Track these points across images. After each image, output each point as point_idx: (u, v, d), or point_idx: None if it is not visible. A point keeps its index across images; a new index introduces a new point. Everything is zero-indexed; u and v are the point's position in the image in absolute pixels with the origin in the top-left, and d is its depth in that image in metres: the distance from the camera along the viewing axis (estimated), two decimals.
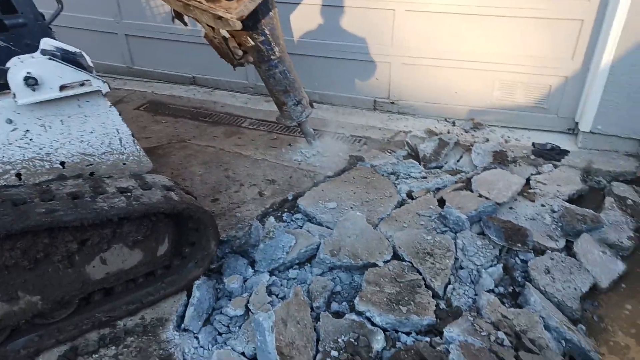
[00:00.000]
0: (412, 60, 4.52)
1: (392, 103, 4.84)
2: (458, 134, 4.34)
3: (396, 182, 3.66)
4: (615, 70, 3.68)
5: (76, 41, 6.19)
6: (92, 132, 2.48)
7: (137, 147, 2.66)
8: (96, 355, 2.37)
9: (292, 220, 3.33)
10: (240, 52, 3.17)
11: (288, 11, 4.71)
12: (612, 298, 2.73)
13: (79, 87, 2.33)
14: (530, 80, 4.23)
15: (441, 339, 2.35)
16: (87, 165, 2.52)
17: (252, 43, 3.09)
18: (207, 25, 3.02)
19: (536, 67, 4.14)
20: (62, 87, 2.28)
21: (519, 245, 2.86)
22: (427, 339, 2.39)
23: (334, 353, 2.27)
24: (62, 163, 2.44)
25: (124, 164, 2.64)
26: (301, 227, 3.23)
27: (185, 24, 3.43)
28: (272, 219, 3.12)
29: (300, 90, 3.52)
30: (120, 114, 2.55)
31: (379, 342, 2.32)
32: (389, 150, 4.19)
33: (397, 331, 2.45)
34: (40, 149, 2.37)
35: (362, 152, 4.14)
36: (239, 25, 2.76)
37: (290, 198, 3.54)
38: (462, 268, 2.80)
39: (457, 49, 4.30)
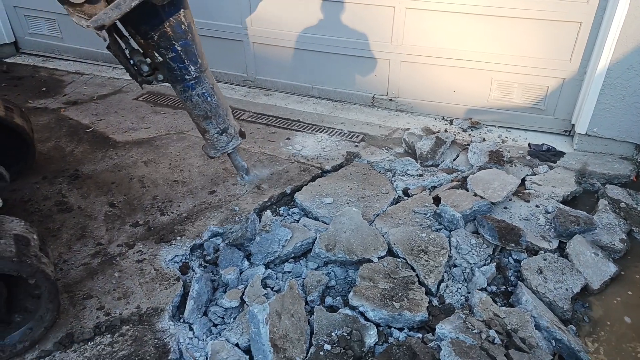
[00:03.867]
0: (411, 58, 4.53)
1: (391, 100, 4.86)
2: (455, 133, 4.36)
3: (392, 179, 3.68)
4: (612, 73, 3.71)
5: (76, 30, 6.15)
6: None
7: None
8: (92, 343, 2.39)
9: (288, 214, 3.35)
10: (146, 68, 2.76)
11: (289, 6, 4.71)
12: (602, 299, 2.77)
13: None
14: (527, 81, 4.26)
15: (433, 335, 2.38)
16: None
17: (161, 59, 2.69)
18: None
19: (534, 68, 4.16)
20: None
21: (513, 244, 2.89)
22: (419, 335, 2.42)
23: (327, 347, 2.30)
24: None
25: None
26: (297, 221, 3.26)
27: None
28: (268, 212, 3.14)
29: (225, 117, 3.07)
30: None
31: (371, 337, 2.35)
32: (386, 147, 4.21)
33: (389, 327, 2.48)
34: None
35: (359, 149, 4.16)
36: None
37: (288, 192, 3.56)
38: (455, 266, 2.83)
39: (456, 48, 4.32)
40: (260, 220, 3.07)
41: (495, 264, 2.84)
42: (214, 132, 3.06)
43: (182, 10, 2.61)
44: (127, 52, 2.74)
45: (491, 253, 2.91)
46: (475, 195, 3.29)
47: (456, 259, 2.84)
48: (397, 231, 3.01)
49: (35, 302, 2.31)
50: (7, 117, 3.33)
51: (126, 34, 2.69)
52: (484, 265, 2.82)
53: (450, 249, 2.88)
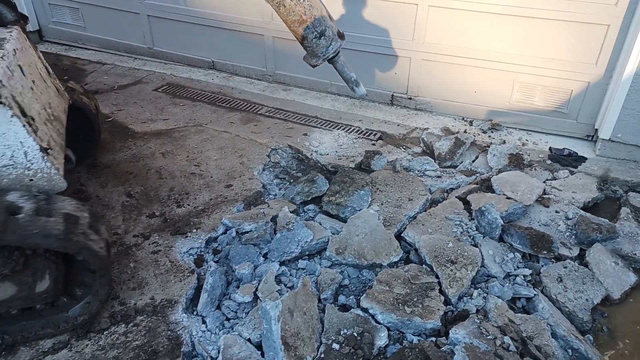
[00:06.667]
0: (432, 56, 4.48)
1: (410, 99, 4.81)
2: (475, 134, 4.31)
3: None
4: (639, 78, 3.62)
5: (99, 19, 6.20)
6: None
7: (47, 163, 2.41)
8: (107, 332, 2.41)
9: (303, 211, 3.34)
10: None
11: None
12: (622, 309, 2.71)
13: None
14: (551, 84, 4.18)
15: (446, 339, 2.36)
16: None
17: None
18: None
19: (558, 70, 4.08)
20: None
21: (545, 252, 2.84)
22: (433, 338, 2.40)
23: (335, 346, 2.28)
24: None
25: (31, 180, 2.40)
26: (313, 218, 3.24)
27: None
28: (286, 208, 3.12)
29: (321, 19, 2.89)
30: (25, 126, 2.30)
31: (381, 339, 2.32)
32: (404, 147, 4.17)
33: (400, 331, 2.45)
34: None
35: (377, 147, 4.13)
36: None
37: None
38: (493, 277, 2.75)
39: (479, 48, 4.25)
40: (277, 219, 3.06)
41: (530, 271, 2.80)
42: (312, 37, 2.91)
43: None
44: None
45: (520, 260, 2.87)
46: (508, 198, 3.21)
47: (492, 269, 2.77)
48: (428, 238, 2.91)
49: (91, 276, 2.42)
50: (86, 101, 3.49)
51: None
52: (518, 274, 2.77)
53: (484, 260, 2.79)
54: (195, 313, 2.57)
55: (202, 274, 2.79)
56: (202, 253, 2.96)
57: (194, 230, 3.10)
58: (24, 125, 2.31)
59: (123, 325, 2.46)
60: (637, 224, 3.18)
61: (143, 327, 2.46)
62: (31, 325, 2.37)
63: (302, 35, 2.90)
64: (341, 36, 3.05)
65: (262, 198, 3.45)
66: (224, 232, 3.09)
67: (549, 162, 3.94)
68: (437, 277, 2.67)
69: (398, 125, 4.56)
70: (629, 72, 3.64)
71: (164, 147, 4.04)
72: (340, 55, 3.08)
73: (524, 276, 2.74)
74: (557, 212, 3.24)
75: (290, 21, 2.86)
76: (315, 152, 4.01)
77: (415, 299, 2.52)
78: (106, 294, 2.45)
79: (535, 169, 3.78)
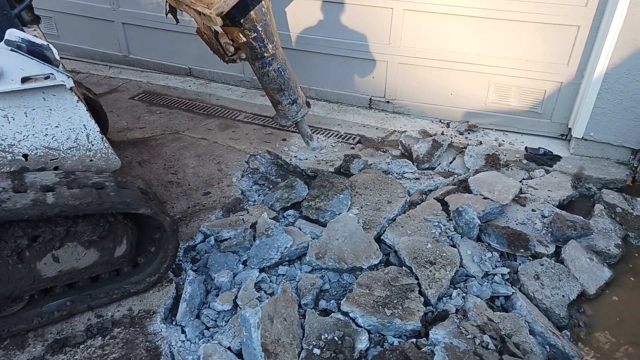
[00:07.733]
0: (408, 60, 4.52)
1: (388, 102, 4.84)
2: (452, 136, 4.35)
3: None
4: (609, 78, 3.70)
5: (73, 28, 6.11)
6: (57, 126, 2.44)
7: (106, 144, 2.62)
8: (83, 346, 2.36)
9: (283, 217, 3.33)
10: (232, 49, 3.08)
11: (287, 5, 4.69)
12: (597, 304, 2.76)
13: (42, 80, 2.26)
14: (525, 85, 4.25)
15: (427, 340, 2.37)
16: (52, 160, 2.49)
17: (244, 39, 3.00)
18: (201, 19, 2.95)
19: (531, 71, 4.15)
20: (24, 79, 2.23)
21: (522, 250, 2.87)
22: (413, 340, 2.40)
23: (316, 351, 2.28)
24: (25, 155, 2.41)
25: (91, 160, 2.61)
26: (293, 223, 3.23)
27: (177, 21, 3.32)
28: (265, 214, 3.11)
29: (295, 89, 3.40)
30: (88, 110, 2.48)
31: (362, 342, 2.33)
32: (383, 150, 4.19)
33: (381, 334, 2.45)
34: (3, 139, 2.33)
35: (356, 151, 4.14)
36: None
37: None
38: (472, 276, 2.77)
39: (454, 51, 4.31)
40: (256, 224, 3.04)
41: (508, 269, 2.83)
42: (286, 103, 3.34)
43: None
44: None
45: (498, 259, 2.91)
46: (485, 198, 3.25)
47: (470, 268, 2.79)
48: (407, 239, 2.93)
49: (155, 244, 2.67)
50: (92, 96, 3.66)
51: None
52: (487, 274, 2.79)
53: (462, 260, 2.81)
54: (174, 323, 2.54)
55: (181, 283, 2.75)
56: (180, 262, 2.92)
57: None
58: (87, 110, 2.48)
59: (100, 338, 2.41)
60: (610, 220, 3.25)
61: (120, 340, 2.41)
62: (3, 323, 2.38)
63: (277, 101, 3.33)
64: (308, 104, 3.53)
65: (241, 205, 3.43)
66: (203, 240, 3.06)
67: (525, 161, 4.00)
68: (416, 278, 2.69)
69: (376, 128, 4.58)
70: (600, 71, 3.72)
71: (140, 156, 3.99)
72: (304, 119, 3.55)
73: (502, 275, 2.77)
74: (533, 210, 3.29)
75: (271, 88, 3.28)
76: (295, 157, 4.01)
77: (395, 301, 2.52)
78: (171, 260, 2.65)
79: (511, 169, 3.83)
